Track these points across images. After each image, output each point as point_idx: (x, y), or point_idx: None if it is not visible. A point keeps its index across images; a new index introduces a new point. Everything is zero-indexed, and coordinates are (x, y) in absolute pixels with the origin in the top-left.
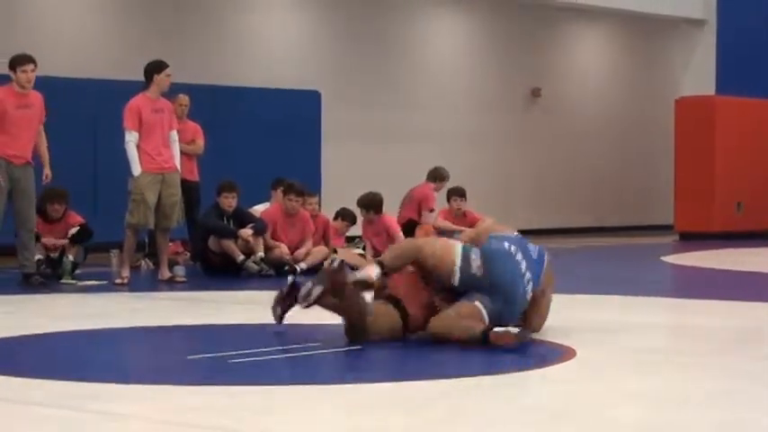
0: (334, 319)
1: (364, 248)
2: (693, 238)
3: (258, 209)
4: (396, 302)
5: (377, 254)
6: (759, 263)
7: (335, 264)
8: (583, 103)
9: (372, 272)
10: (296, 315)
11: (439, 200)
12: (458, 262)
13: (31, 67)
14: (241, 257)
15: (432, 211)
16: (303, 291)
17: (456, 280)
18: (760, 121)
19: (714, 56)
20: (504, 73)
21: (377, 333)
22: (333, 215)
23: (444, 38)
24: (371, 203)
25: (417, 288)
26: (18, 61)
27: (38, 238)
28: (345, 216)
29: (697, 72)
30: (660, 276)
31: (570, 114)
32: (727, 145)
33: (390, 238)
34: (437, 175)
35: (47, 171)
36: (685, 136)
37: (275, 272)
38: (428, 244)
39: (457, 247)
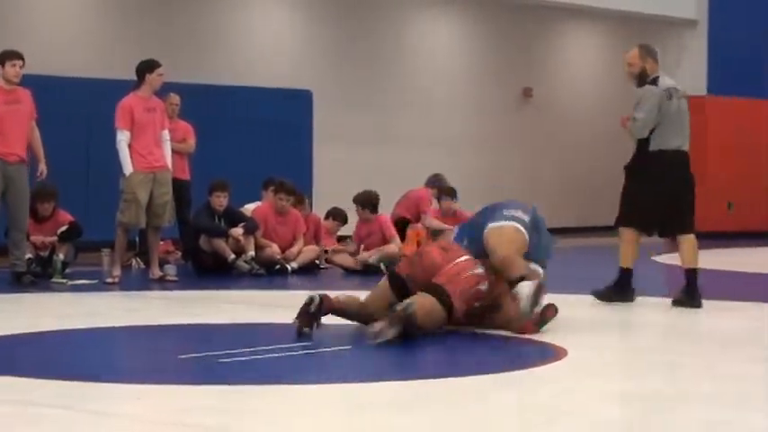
0: (326, 319)
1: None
2: None
3: (249, 208)
4: (441, 293)
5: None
6: (751, 263)
7: (410, 310)
8: (575, 102)
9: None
10: (283, 314)
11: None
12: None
13: (19, 62)
14: (232, 257)
15: (425, 214)
16: (375, 330)
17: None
18: (751, 121)
19: (706, 56)
20: (495, 73)
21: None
22: (324, 215)
23: (436, 38)
24: (367, 201)
25: (462, 278)
26: (6, 56)
27: (27, 237)
28: (336, 216)
29: (689, 72)
30: (652, 276)
31: (562, 114)
32: (719, 144)
33: (385, 239)
34: (434, 183)
35: (42, 167)
36: None
37: (266, 271)
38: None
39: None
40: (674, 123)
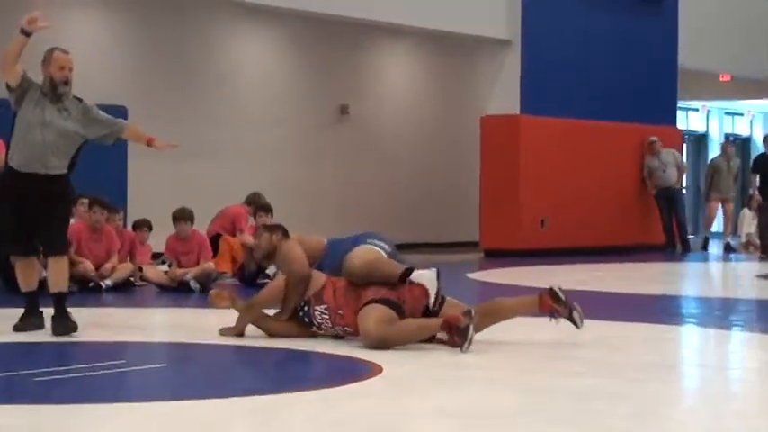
0: (136, 336)
1: (170, 265)
2: (498, 256)
3: None
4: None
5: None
6: (564, 280)
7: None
8: (391, 120)
9: None
10: (97, 332)
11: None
12: None
13: None
14: (44, 274)
15: (242, 232)
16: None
17: None
18: (562, 140)
19: (519, 76)
20: (312, 89)
21: None
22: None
23: (251, 53)
24: (190, 215)
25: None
26: None
27: None
28: (142, 224)
29: (503, 91)
30: (466, 292)
31: (379, 131)
32: (531, 162)
33: (203, 257)
34: (251, 201)
35: None
36: (490, 154)
37: (79, 288)
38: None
39: None
40: None
